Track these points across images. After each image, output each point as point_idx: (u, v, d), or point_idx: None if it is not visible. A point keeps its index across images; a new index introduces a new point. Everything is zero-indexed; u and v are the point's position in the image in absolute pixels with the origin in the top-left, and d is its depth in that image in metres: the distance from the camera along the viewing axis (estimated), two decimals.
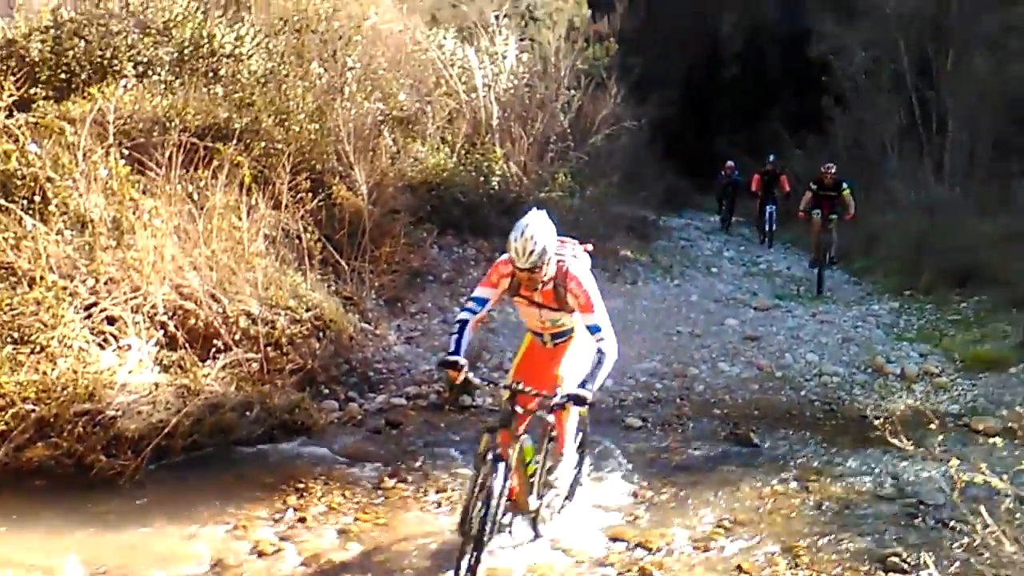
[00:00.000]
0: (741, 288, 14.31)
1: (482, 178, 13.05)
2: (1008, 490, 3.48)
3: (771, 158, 20.10)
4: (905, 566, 5.38)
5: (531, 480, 5.45)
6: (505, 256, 5.06)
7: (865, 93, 20.85)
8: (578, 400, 4.82)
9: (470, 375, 5.00)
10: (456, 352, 5.00)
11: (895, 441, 3.75)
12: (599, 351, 4.91)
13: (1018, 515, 3.42)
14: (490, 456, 4.88)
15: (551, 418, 5.45)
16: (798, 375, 9.94)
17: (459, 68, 14.49)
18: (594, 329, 5.00)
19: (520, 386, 5.07)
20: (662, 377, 9.66)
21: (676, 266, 15.42)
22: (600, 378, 4.89)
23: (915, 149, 18.91)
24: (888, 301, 13.58)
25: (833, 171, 14.90)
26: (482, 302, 5.19)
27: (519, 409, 5.08)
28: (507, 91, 14.80)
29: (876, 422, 4.11)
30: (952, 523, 5.89)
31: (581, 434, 5.99)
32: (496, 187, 13.17)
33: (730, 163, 21.83)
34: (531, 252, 4.82)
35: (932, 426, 4.12)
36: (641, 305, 12.64)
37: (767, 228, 19.25)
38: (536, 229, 4.86)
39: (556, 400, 4.91)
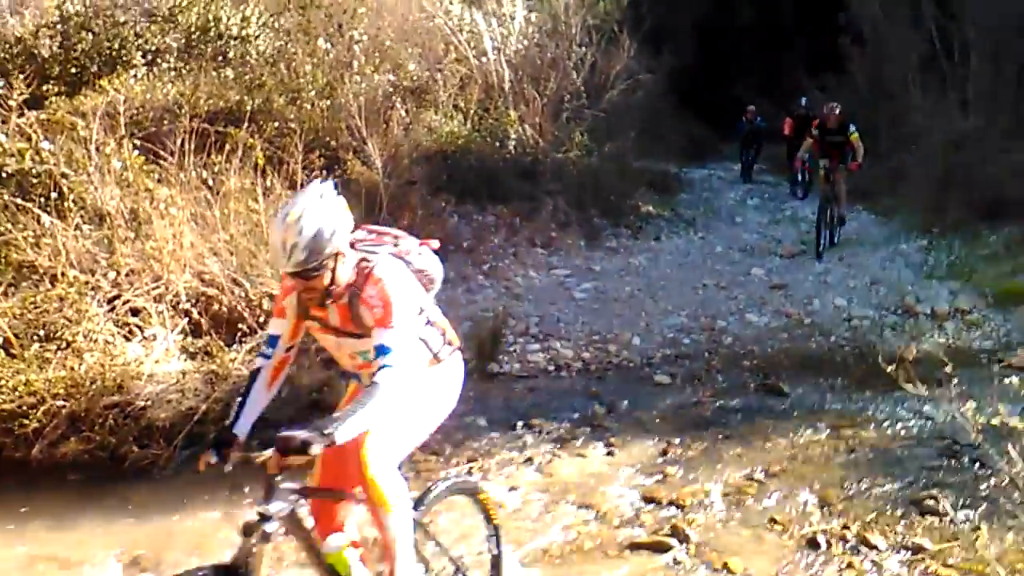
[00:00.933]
0: (766, 236, 14.19)
1: (497, 143, 12.98)
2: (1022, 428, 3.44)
3: (803, 101, 19.23)
4: (940, 508, 5.33)
5: None
6: None
7: (883, 29, 20.46)
8: (293, 447, 3.09)
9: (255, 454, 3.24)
10: (236, 420, 3.53)
11: (908, 387, 3.70)
12: (374, 381, 3.28)
13: None
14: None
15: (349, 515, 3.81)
16: (827, 321, 9.87)
17: (468, 33, 14.36)
18: (380, 351, 3.34)
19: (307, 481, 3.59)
20: (690, 332, 9.62)
21: (700, 218, 15.31)
22: (359, 419, 3.22)
23: (937, 82, 18.55)
24: (916, 239, 13.41)
25: (838, 111, 13.27)
26: (273, 341, 3.62)
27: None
28: (518, 53, 14.66)
29: (889, 368, 4.03)
30: (984, 464, 5.84)
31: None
32: (512, 151, 13.10)
33: (751, 107, 20.91)
34: (294, 247, 3.23)
35: (953, 367, 4.04)
36: (665, 260, 12.58)
37: (801, 177, 17.87)
38: (305, 210, 3.27)
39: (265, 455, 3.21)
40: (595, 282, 11.25)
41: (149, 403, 6.46)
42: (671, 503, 5.77)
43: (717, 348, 9.20)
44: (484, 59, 14.10)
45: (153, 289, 7.36)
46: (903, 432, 6.96)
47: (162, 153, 8.41)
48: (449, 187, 11.63)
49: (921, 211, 14.40)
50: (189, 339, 7.32)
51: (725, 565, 5.04)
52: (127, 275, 7.36)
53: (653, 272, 11.82)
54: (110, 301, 7.15)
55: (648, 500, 5.85)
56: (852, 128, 12.93)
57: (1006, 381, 6.88)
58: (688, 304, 10.46)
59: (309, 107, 10.66)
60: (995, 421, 3.61)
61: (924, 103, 17.87)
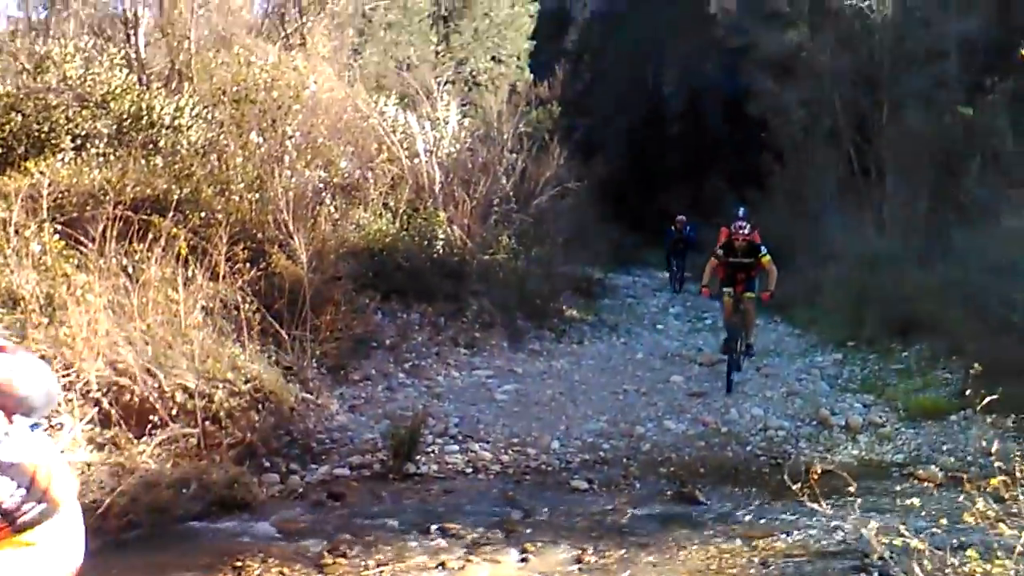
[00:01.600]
0: (687, 344, 14.38)
1: (425, 242, 13.07)
2: (925, 549, 3.51)
3: (742, 211, 18.16)
4: None
5: None
6: None
7: (804, 149, 21.29)
8: None
9: None
10: None
11: (813, 505, 3.76)
12: None
13: (951, 565, 3.43)
14: None
15: None
16: (744, 430, 9.96)
17: (401, 134, 14.58)
18: None
19: None
20: (609, 437, 9.63)
21: (622, 324, 15.48)
22: None
23: (855, 202, 19.27)
24: (831, 352, 13.70)
25: (746, 230, 11.42)
26: None
27: None
28: (450, 155, 14.91)
29: (795, 487, 4.10)
30: None
31: None
32: (440, 251, 13.19)
33: (681, 217, 20.70)
34: None
35: (864, 479, 4.12)
36: (587, 364, 12.65)
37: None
38: None
39: None
40: (517, 384, 11.25)
41: None
42: None
43: (636, 454, 9.21)
44: (416, 160, 14.29)
45: (63, 376, 7.16)
46: (815, 545, 6.97)
47: (83, 239, 8.33)
48: (375, 284, 11.64)
49: (837, 325, 14.74)
50: (97, 429, 7.13)
51: None
52: None
53: (575, 376, 11.87)
54: None
55: None
56: (763, 250, 11.37)
57: (912, 500, 7.02)
58: (608, 409, 10.50)
59: (237, 199, 10.64)
60: (898, 542, 3.68)
61: (842, 221, 18.49)
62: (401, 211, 13.28)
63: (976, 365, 4.17)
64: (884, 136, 19.08)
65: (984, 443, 8.42)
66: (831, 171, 20.39)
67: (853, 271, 15.82)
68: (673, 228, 20.61)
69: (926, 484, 8.15)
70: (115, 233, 8.50)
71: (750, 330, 11.83)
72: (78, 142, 10.87)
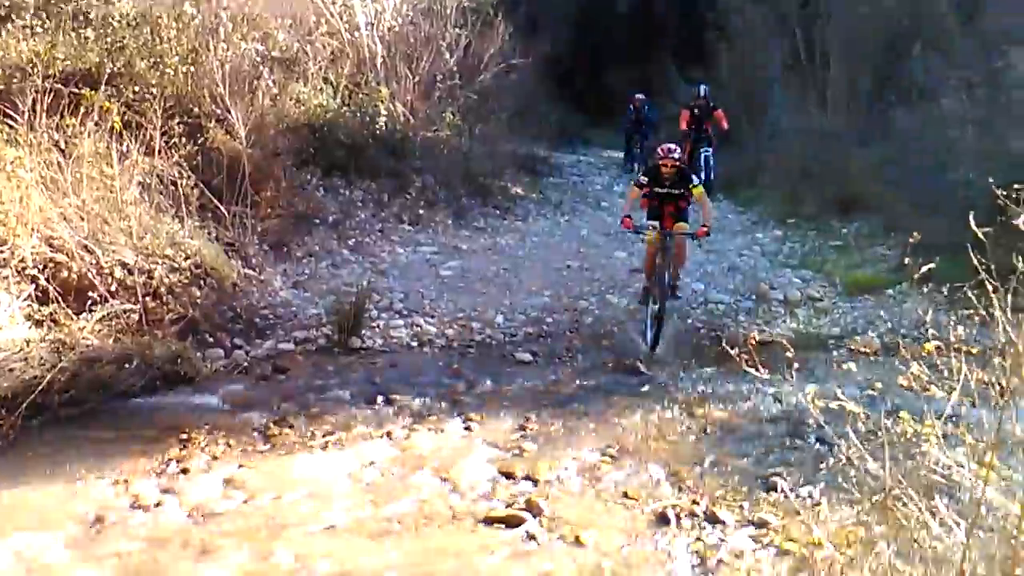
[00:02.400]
0: None
1: (368, 118, 12.81)
2: (860, 412, 3.61)
3: (703, 90, 16.23)
4: (785, 485, 5.54)
5: None
6: None
7: (750, 28, 21.05)
8: None
9: None
10: None
11: (750, 370, 3.83)
12: None
13: (884, 427, 3.53)
14: None
15: None
16: (684, 304, 10.08)
17: (341, 6, 14.13)
18: None
19: None
20: (552, 312, 9.71)
21: (567, 202, 15.45)
22: None
23: (799, 82, 19.20)
24: (773, 229, 13.86)
25: (676, 156, 9.03)
26: None
27: None
28: (391, 30, 14.50)
29: (732, 351, 4.18)
30: (826, 443, 6.07)
31: None
32: (383, 127, 12.94)
33: (639, 95, 18.99)
34: None
35: (800, 351, 4.21)
36: (531, 241, 12.67)
37: (705, 177, 14.82)
38: None
39: None
40: (461, 260, 11.25)
41: None
42: (526, 478, 5.83)
43: (578, 328, 9.32)
44: (356, 34, 13.91)
45: None
46: (752, 413, 7.18)
47: (11, 113, 8.03)
48: (316, 160, 11.45)
49: (779, 203, 14.89)
50: (35, 306, 7.02)
51: (577, 538, 5.12)
52: None
53: (519, 252, 11.90)
54: None
55: (504, 475, 5.89)
56: (695, 180, 9.20)
57: (849, 365, 7.20)
58: (552, 284, 10.56)
59: (172, 72, 10.28)
60: (833, 405, 3.77)
61: (786, 100, 18.49)
62: (342, 86, 12.97)
63: (915, 234, 4.22)
64: (829, 16, 18.94)
65: (919, 314, 8.69)
66: (776, 50, 20.25)
67: (796, 150, 15.89)
68: (631, 107, 19.11)
69: (862, 354, 8.37)
70: (45, 107, 8.23)
71: (678, 270, 9.60)
72: (2, 12, 10.38)
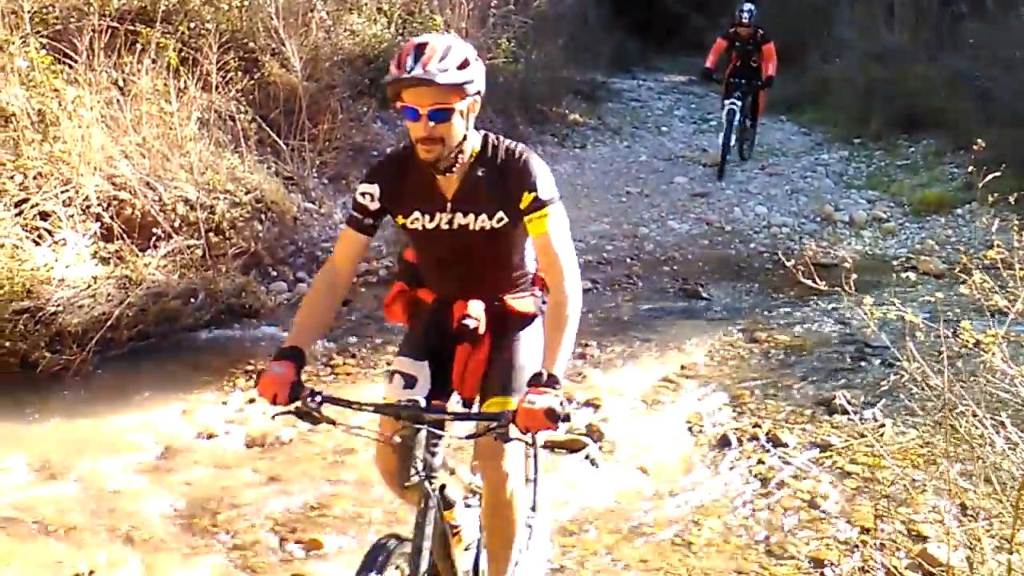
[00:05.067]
0: (691, 145, 14.18)
1: None
2: (920, 322, 3.51)
3: (747, 12, 12.22)
4: (848, 407, 5.47)
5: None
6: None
7: None
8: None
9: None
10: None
11: (807, 281, 3.75)
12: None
13: (944, 336, 3.46)
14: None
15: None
16: (747, 228, 9.98)
17: None
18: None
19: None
20: (612, 238, 9.66)
21: (626, 128, 15.23)
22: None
23: None
24: (837, 150, 13.57)
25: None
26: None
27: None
28: None
29: (788, 264, 4.10)
30: (890, 364, 5.98)
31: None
32: None
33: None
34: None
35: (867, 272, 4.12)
36: (590, 168, 12.54)
37: (729, 138, 11.89)
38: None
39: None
40: None
41: (60, 308, 6.30)
42: (587, 403, 5.85)
43: (639, 254, 9.27)
44: None
45: (62, 192, 7.11)
46: (816, 336, 7.12)
47: (70, 53, 8.09)
48: (372, 91, 11.39)
49: (844, 123, 14.53)
50: (101, 244, 7.14)
51: (638, 463, 5.14)
52: (35, 178, 7.09)
53: (578, 180, 11.79)
54: (17, 205, 6.89)
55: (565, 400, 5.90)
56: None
57: (916, 287, 7.08)
58: (611, 211, 10.49)
59: (226, 7, 10.28)
60: (892, 315, 3.69)
61: (851, 17, 17.93)
62: (395, 16, 12.86)
63: (979, 142, 4.07)
64: None
65: (989, 232, 8.48)
66: None
67: (861, 67, 15.44)
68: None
69: (930, 275, 8.22)
70: (103, 46, 8.26)
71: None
72: None
